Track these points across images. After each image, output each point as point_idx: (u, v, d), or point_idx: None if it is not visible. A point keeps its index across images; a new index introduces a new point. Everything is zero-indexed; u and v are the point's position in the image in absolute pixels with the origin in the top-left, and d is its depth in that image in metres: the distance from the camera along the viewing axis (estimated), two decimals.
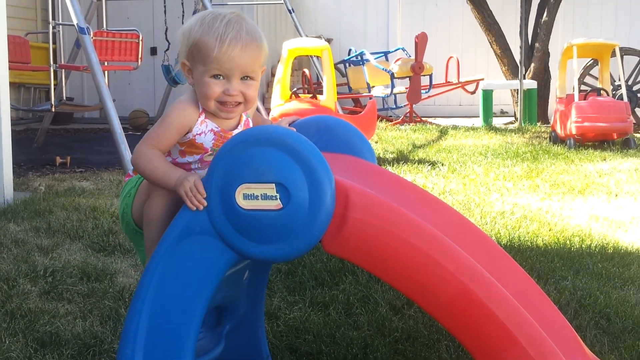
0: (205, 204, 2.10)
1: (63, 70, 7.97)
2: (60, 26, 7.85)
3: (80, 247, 3.83)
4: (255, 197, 2.01)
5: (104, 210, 4.54)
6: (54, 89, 7.30)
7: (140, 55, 8.04)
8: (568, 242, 3.84)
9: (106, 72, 7.65)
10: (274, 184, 1.99)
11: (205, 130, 2.34)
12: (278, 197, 1.99)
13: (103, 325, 2.84)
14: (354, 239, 2.02)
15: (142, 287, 2.12)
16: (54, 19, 7.47)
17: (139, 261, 3.54)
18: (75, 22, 6.28)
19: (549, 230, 4.10)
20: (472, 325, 1.97)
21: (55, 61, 7.39)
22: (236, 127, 2.42)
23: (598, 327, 2.77)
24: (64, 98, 8.26)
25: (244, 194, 2.02)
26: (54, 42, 7.53)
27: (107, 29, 8.27)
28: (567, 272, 3.35)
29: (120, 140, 5.92)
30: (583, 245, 3.78)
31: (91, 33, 6.51)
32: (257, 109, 2.68)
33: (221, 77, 2.26)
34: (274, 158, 2.01)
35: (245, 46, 2.24)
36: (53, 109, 7.33)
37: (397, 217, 2.02)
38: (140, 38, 8.10)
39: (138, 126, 9.98)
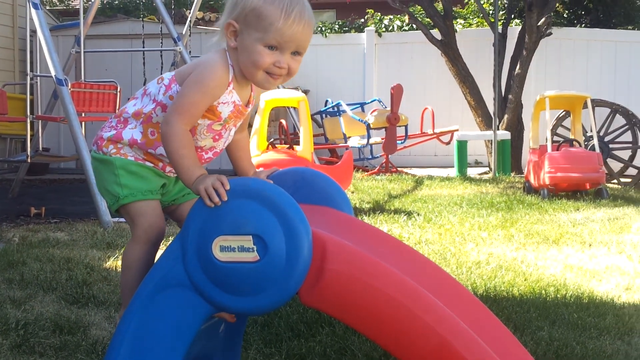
0: (225, 198, 2.04)
1: (40, 121, 7.98)
2: (38, 77, 7.88)
3: (53, 298, 3.78)
4: (232, 249, 2.01)
5: (78, 261, 4.50)
6: (31, 139, 7.28)
7: (117, 106, 8.06)
8: (543, 292, 3.86)
9: (83, 122, 7.65)
10: (251, 236, 2.00)
11: (229, 100, 2.29)
12: (255, 249, 2.00)
13: None
14: (332, 291, 2.02)
15: (116, 340, 2.10)
16: (32, 70, 7.50)
17: (112, 313, 3.51)
18: (53, 73, 6.30)
19: (525, 280, 4.12)
20: None
21: (32, 112, 7.39)
22: (248, 104, 2.41)
23: None
24: (40, 149, 8.24)
25: (220, 245, 2.02)
26: (32, 93, 7.54)
27: (85, 80, 8.30)
28: (543, 323, 3.36)
29: (96, 191, 5.91)
30: (558, 295, 3.80)
31: (69, 84, 6.54)
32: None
33: (275, 49, 2.21)
34: (251, 210, 2.01)
35: (307, 23, 2.21)
36: (29, 160, 7.31)
37: (375, 269, 2.03)
38: (118, 89, 8.13)
39: None
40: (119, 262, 4.45)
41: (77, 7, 10.04)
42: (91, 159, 2.48)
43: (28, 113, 7.26)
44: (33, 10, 6.35)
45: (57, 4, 23.10)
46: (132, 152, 2.34)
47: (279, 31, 2.17)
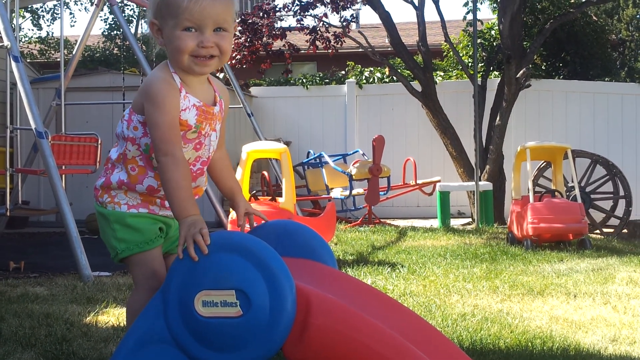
0: (206, 251, 2.03)
1: (20, 173, 7.92)
2: (18, 130, 7.85)
3: (32, 355, 3.69)
4: (215, 304, 1.97)
5: (58, 316, 4.42)
6: (10, 192, 7.22)
7: (98, 159, 8.03)
8: (530, 344, 3.82)
9: (63, 175, 7.61)
10: (233, 291, 1.96)
11: (188, 106, 2.27)
12: (238, 303, 1.96)
13: None
14: (316, 346, 1.99)
15: None
16: (12, 123, 7.47)
17: None
18: (33, 126, 6.28)
19: (511, 332, 4.08)
20: None
21: (11, 165, 7.34)
22: (214, 104, 2.38)
23: None
24: (20, 202, 8.16)
25: (203, 300, 1.98)
26: (11, 146, 7.50)
27: (65, 133, 8.27)
28: None
29: (76, 245, 5.85)
30: (545, 348, 3.76)
31: (49, 137, 6.51)
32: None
33: (193, 30, 2.20)
34: (233, 264, 1.99)
35: None
36: (8, 213, 7.23)
37: (360, 323, 2.00)
38: (99, 142, 8.10)
39: (95, 229, 9.86)
40: (100, 317, 4.37)
41: (57, 59, 10.07)
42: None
43: (8, 166, 7.21)
44: (13, 63, 6.34)
45: (38, 56, 23.20)
46: (126, 199, 2.36)
47: (187, 10, 2.18)
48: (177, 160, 2.19)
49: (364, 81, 13.36)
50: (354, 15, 13.47)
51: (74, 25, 48.74)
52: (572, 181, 9.01)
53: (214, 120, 2.40)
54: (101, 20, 25.22)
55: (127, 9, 24.42)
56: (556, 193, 8.50)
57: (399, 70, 12.49)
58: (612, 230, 10.38)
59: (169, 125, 2.22)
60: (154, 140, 2.23)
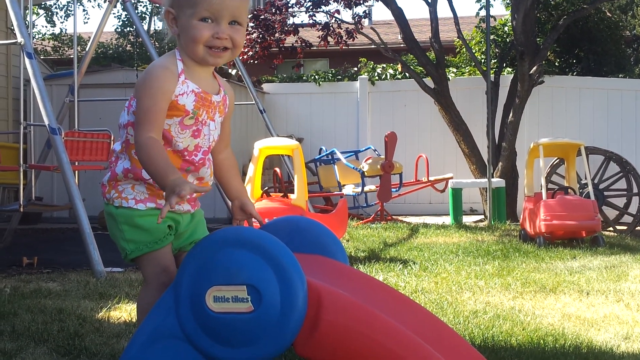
0: (173, 206, 2.10)
1: (33, 170, 7.95)
2: (32, 126, 7.88)
3: (45, 351, 3.71)
4: (226, 299, 1.97)
5: (70, 312, 4.43)
6: (23, 189, 7.24)
7: (111, 155, 8.04)
8: (542, 341, 3.81)
9: (76, 171, 7.63)
10: (245, 286, 1.96)
11: (186, 91, 2.30)
12: (249, 299, 1.96)
13: None
14: (327, 342, 1.99)
15: None
16: (25, 119, 7.49)
17: None
18: (46, 122, 6.30)
19: (523, 329, 4.07)
20: None
21: (25, 161, 7.37)
22: (217, 93, 2.40)
23: None
24: (33, 198, 8.20)
25: (214, 296, 1.98)
26: (25, 142, 7.53)
27: (78, 129, 8.29)
28: None
29: (88, 241, 5.87)
30: (557, 345, 3.75)
31: (62, 133, 6.53)
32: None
33: (209, 20, 2.24)
34: (245, 259, 1.98)
35: None
36: (21, 209, 7.25)
37: (371, 320, 2.00)
38: (112, 138, 8.12)
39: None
40: (112, 313, 4.39)
41: (71, 56, 10.10)
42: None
43: (21, 162, 7.23)
44: (27, 60, 6.36)
45: (52, 53, 23.29)
46: (133, 193, 2.37)
47: (207, 1, 2.22)
48: (146, 140, 2.22)
49: (377, 78, 13.33)
50: (367, 12, 13.44)
51: (87, 22, 48.62)
52: (585, 178, 8.97)
53: (213, 109, 2.41)
54: (114, 17, 25.31)
55: (140, 5, 24.48)
56: (569, 190, 8.46)
57: (412, 67, 12.46)
58: (625, 227, 10.32)
59: (151, 109, 2.25)
60: (135, 119, 2.29)
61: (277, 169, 9.01)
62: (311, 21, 12.81)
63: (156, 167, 2.19)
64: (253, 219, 2.56)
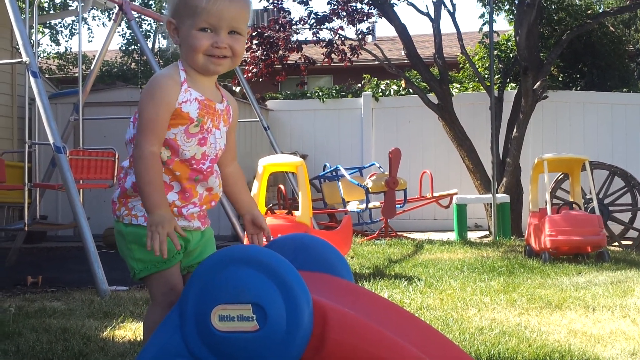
0: (166, 255, 2.13)
1: (38, 188, 7.96)
2: (37, 145, 7.89)
3: None
4: (232, 318, 1.97)
5: (75, 331, 4.43)
6: (28, 207, 7.25)
7: (115, 173, 8.05)
8: (548, 358, 3.79)
9: (81, 190, 7.64)
10: (250, 305, 1.96)
11: (190, 99, 2.33)
12: (255, 318, 1.96)
13: None
14: None
15: None
16: (30, 138, 7.51)
17: None
18: (51, 141, 6.31)
19: (529, 346, 4.05)
20: None
21: (30, 180, 7.38)
22: (221, 101, 2.42)
23: None
24: (38, 217, 8.20)
25: (219, 315, 1.98)
26: (30, 161, 7.55)
27: (83, 148, 8.31)
28: None
29: (93, 259, 5.86)
30: None
31: (67, 152, 6.54)
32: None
33: (209, 30, 2.29)
34: (250, 277, 1.98)
35: (234, 0, 2.30)
36: (26, 228, 7.25)
37: (377, 338, 1.99)
38: (117, 156, 8.13)
39: (112, 244, 9.89)
40: (116, 332, 4.38)
41: (75, 74, 10.14)
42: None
43: (26, 181, 7.25)
44: (32, 79, 6.39)
45: (56, 72, 23.37)
46: (143, 210, 2.37)
47: (205, 11, 2.27)
48: (146, 154, 2.25)
49: (380, 94, 13.36)
50: (370, 28, 13.48)
51: (91, 41, 49.11)
52: (590, 193, 8.95)
53: (217, 117, 2.43)
54: (119, 35, 25.41)
55: (145, 24, 24.56)
56: (574, 205, 8.44)
57: (415, 83, 12.49)
58: (630, 242, 10.30)
59: (153, 119, 2.28)
60: (136, 130, 2.32)
61: (282, 186, 9.01)
62: (315, 38, 12.84)
63: (152, 190, 2.23)
64: (264, 237, 2.58)
